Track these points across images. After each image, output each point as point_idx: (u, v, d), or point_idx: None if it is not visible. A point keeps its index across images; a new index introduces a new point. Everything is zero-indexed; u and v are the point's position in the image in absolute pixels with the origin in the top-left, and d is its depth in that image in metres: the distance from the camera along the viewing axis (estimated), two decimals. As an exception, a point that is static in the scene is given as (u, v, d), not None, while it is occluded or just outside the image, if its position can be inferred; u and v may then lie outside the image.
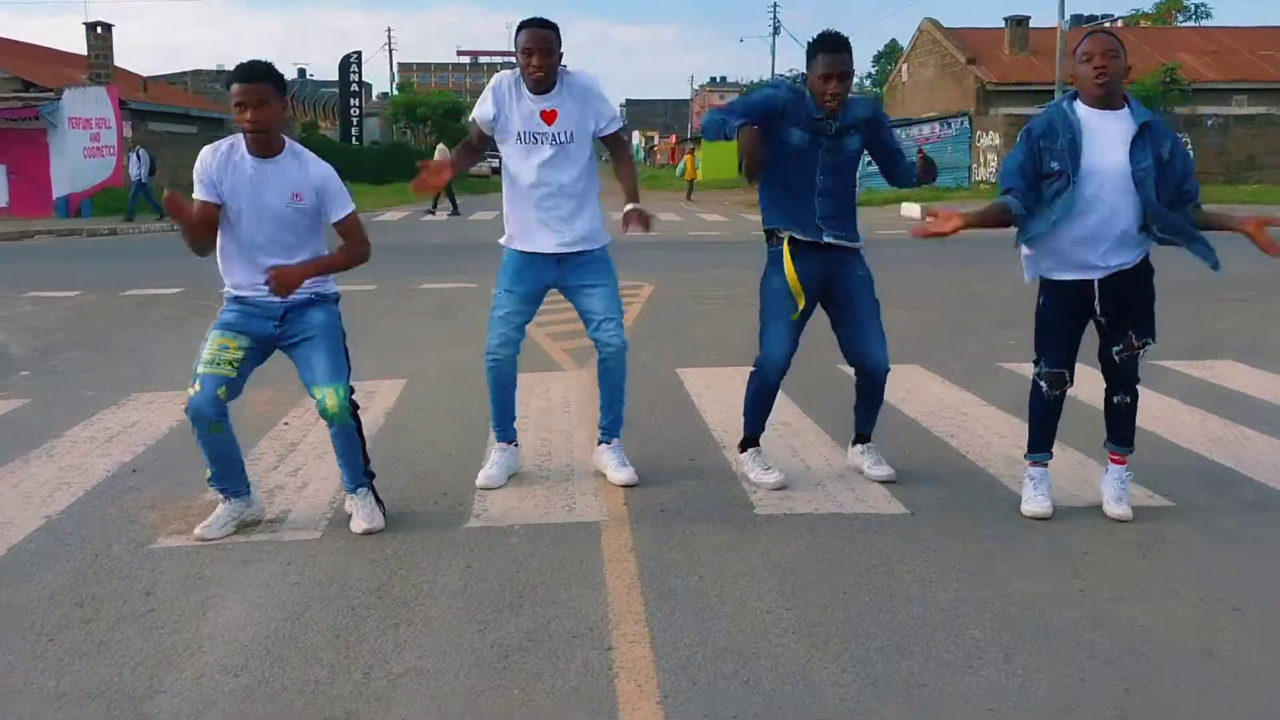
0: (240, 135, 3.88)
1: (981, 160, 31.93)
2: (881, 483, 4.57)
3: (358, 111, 47.28)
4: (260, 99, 3.75)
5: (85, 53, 29.43)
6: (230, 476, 4.03)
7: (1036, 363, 4.20)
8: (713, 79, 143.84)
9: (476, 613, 3.33)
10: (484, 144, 4.61)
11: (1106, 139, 3.90)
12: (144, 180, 23.08)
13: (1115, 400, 4.19)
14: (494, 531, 4.07)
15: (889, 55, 71.05)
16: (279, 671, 2.97)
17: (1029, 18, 36.42)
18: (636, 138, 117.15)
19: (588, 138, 4.45)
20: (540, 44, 4.30)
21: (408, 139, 54.28)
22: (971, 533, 3.99)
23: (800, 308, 4.44)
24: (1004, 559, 3.75)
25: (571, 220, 4.44)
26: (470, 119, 4.55)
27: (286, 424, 5.63)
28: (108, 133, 26.96)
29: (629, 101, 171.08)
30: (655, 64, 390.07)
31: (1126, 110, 3.95)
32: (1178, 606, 3.35)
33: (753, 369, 4.64)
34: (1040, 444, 4.25)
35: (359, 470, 4.10)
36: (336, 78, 48.97)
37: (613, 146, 4.66)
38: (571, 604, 3.39)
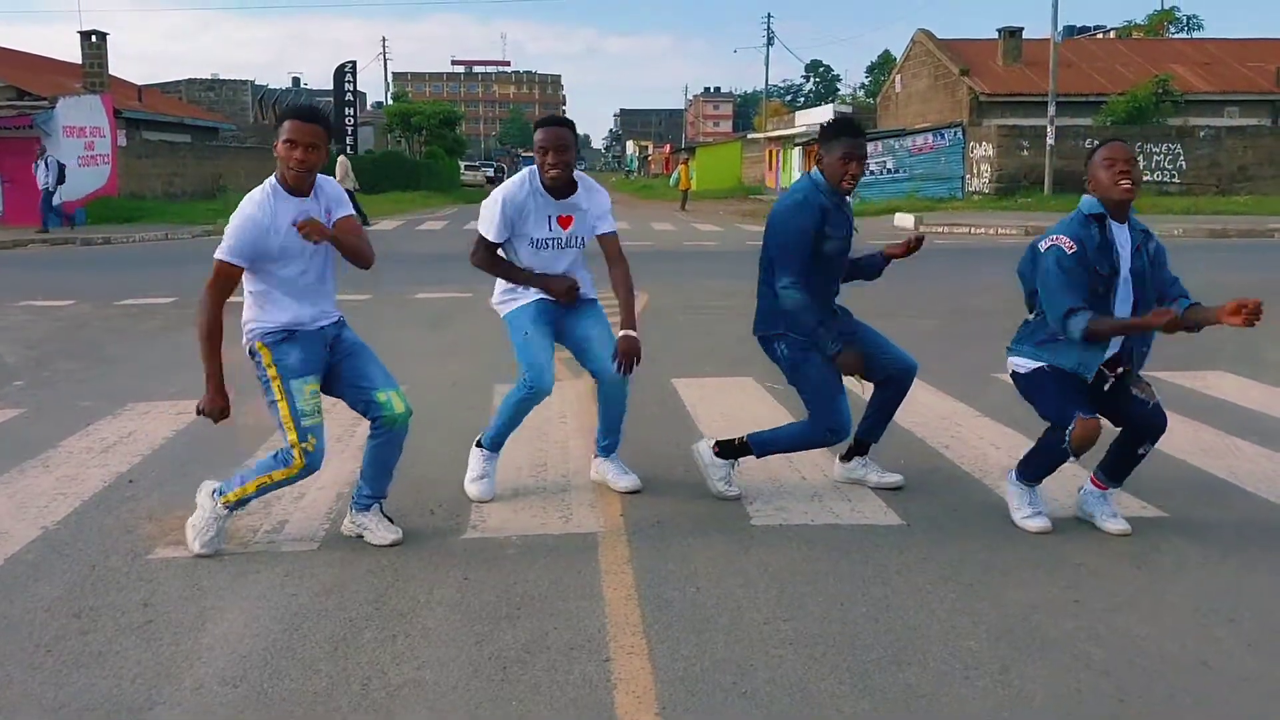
0: (272, 181, 3.85)
1: (975, 171, 32.04)
2: (891, 489, 4.59)
3: (352, 121, 47.27)
4: (314, 141, 3.77)
5: (80, 61, 29.45)
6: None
7: (1062, 426, 3.94)
8: (707, 89, 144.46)
9: (474, 624, 3.34)
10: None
11: (1123, 256, 3.99)
12: (51, 189, 22.76)
13: (1140, 451, 4.09)
14: (491, 543, 4.08)
15: (882, 66, 71.28)
16: (278, 683, 2.98)
17: (1022, 29, 36.61)
18: (631, 148, 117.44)
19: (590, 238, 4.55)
20: (557, 141, 4.31)
21: (402, 148, 54.30)
22: (967, 543, 4.01)
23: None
24: (1000, 570, 3.76)
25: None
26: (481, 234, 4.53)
27: (283, 434, 5.62)
28: (102, 141, 26.94)
29: (623, 111, 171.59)
30: (649, 74, 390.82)
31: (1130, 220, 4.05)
32: (1172, 617, 3.37)
33: (816, 434, 4.50)
34: (1039, 477, 4.19)
35: (385, 484, 4.14)
36: (331, 87, 48.98)
37: (606, 248, 4.55)
38: (569, 615, 3.40)
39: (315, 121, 3.80)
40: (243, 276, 3.86)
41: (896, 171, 32.54)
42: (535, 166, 4.43)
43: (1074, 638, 3.22)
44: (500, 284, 4.63)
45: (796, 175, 40.67)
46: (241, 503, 4.00)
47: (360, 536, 4.09)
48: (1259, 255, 17.03)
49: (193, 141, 34.06)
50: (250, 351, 3.94)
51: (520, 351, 4.47)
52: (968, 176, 32.28)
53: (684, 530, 4.19)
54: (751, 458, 4.64)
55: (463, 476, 4.71)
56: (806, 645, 3.17)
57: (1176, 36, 50.28)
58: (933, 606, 3.45)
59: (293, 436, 3.85)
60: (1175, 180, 30.80)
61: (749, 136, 61.13)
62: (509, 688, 2.94)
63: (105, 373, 7.71)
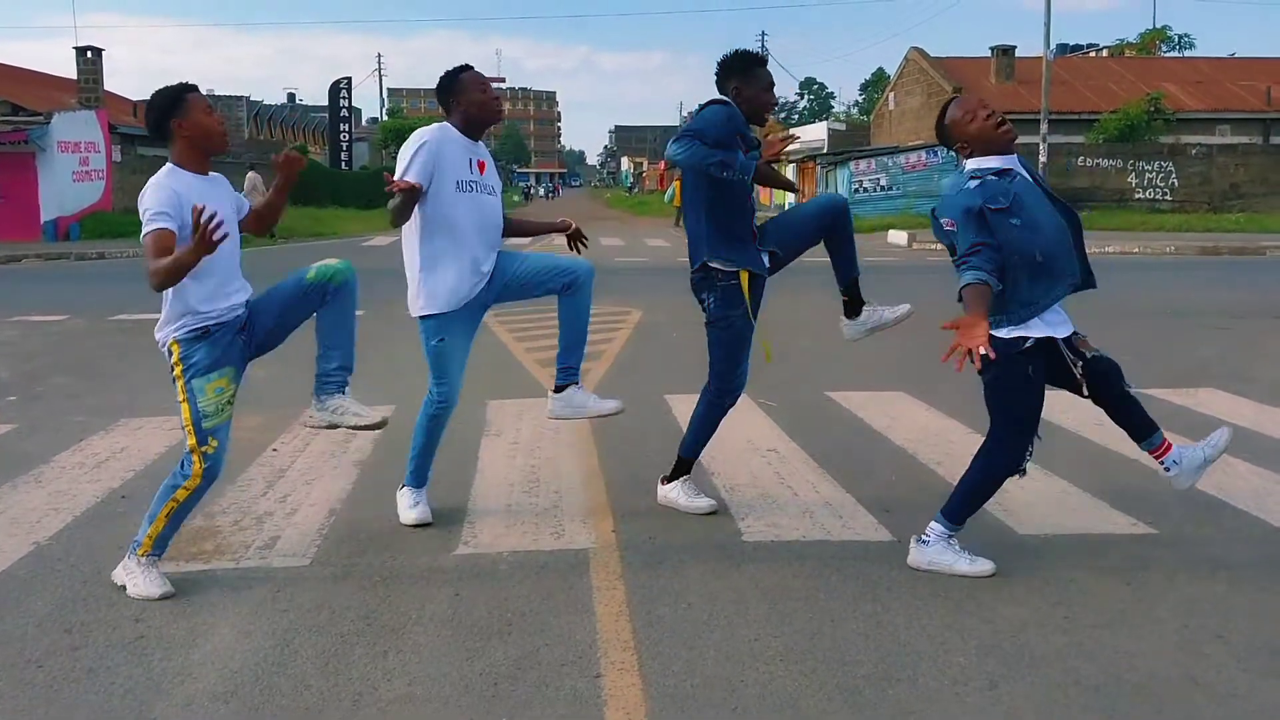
0: (169, 165, 3.83)
1: (968, 188, 32.13)
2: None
3: (347, 137, 47.39)
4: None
5: (75, 77, 29.51)
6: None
7: (1018, 446, 3.96)
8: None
9: (465, 640, 3.35)
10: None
11: None
12: None
13: (1129, 390, 3.92)
14: (483, 559, 4.09)
15: (876, 84, 71.63)
16: (269, 699, 2.98)
17: (1015, 47, 36.85)
18: (626, 164, 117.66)
19: None
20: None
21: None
22: (958, 560, 4.01)
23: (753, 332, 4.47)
24: (989, 586, 3.78)
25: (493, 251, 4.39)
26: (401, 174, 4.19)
27: (275, 450, 5.64)
28: (96, 156, 26.96)
29: (618, 128, 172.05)
30: (643, 90, 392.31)
31: None
32: (1162, 633, 3.39)
33: (714, 398, 4.56)
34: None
35: (353, 349, 3.96)
36: (326, 102, 49.14)
37: None
38: (560, 632, 3.40)
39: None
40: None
41: (890, 189, 32.61)
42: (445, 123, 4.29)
43: (1063, 654, 3.23)
44: (416, 285, 4.46)
45: (791, 197, 40.67)
46: (160, 541, 3.73)
47: (332, 427, 3.90)
48: (1251, 273, 17.10)
49: (188, 156, 34.08)
50: (164, 348, 3.77)
51: (440, 367, 4.40)
52: (961, 193, 32.37)
53: (676, 546, 4.19)
54: (752, 463, 4.69)
55: (456, 487, 4.73)
56: (797, 661, 3.18)
57: (1168, 55, 50.62)
58: (923, 623, 3.46)
59: (191, 441, 3.65)
60: (1167, 198, 30.98)
61: (743, 153, 61.15)
62: (500, 704, 2.94)
63: (98, 388, 7.71)
